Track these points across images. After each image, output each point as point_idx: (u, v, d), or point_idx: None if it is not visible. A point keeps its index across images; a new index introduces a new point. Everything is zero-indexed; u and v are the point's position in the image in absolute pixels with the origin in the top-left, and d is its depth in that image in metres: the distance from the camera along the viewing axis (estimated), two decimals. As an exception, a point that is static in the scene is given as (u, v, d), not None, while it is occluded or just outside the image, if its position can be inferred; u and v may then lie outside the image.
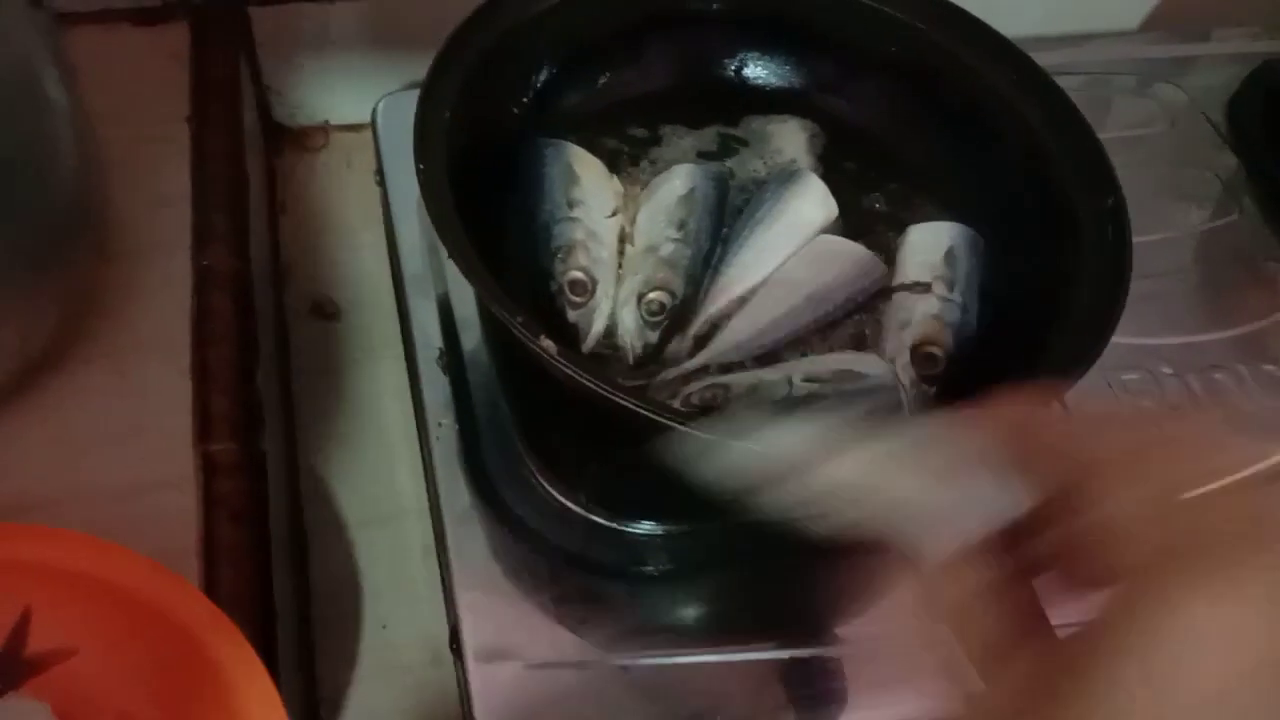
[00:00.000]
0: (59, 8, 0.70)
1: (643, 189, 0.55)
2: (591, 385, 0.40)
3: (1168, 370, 0.60)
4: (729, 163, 0.57)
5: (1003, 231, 0.55)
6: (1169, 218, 0.69)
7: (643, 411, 0.39)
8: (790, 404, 0.47)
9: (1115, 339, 0.59)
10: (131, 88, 0.69)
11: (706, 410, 0.47)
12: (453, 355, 0.55)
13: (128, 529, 0.47)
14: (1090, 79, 0.78)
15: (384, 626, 0.62)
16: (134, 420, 0.55)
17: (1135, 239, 0.62)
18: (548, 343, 0.41)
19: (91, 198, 0.58)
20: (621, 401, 0.40)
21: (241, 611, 0.51)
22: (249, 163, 0.75)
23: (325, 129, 0.84)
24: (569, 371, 0.40)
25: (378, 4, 0.76)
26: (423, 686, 0.59)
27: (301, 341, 0.74)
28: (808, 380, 0.48)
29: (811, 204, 0.55)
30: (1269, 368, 0.61)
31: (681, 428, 0.39)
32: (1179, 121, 0.75)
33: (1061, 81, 0.70)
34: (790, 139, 0.58)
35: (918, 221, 0.56)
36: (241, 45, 0.76)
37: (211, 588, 0.51)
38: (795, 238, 0.54)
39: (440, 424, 0.53)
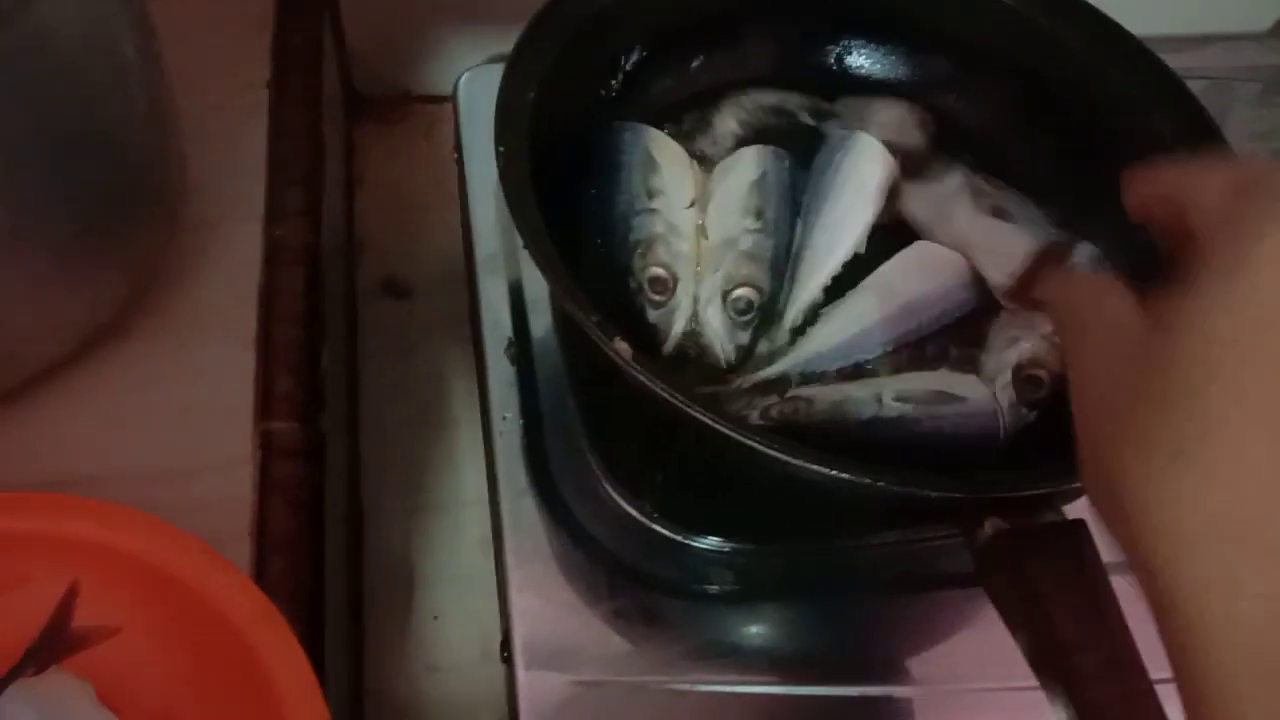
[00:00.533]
0: (142, -31, 0.70)
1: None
2: (666, 395, 0.37)
3: None
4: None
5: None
6: None
7: (720, 428, 0.36)
8: (878, 425, 0.44)
9: None
10: (213, 52, 0.67)
11: (786, 427, 0.44)
12: (522, 345, 0.52)
13: (181, 508, 0.46)
14: (1211, 84, 0.73)
15: (435, 618, 0.60)
16: (195, 396, 0.54)
17: None
18: (623, 345, 0.39)
19: (167, 166, 0.57)
20: (697, 416, 0.37)
21: (290, 600, 0.50)
22: (328, 133, 0.73)
23: (406, 99, 0.82)
24: (643, 379, 0.37)
25: (467, -28, 0.74)
26: (471, 684, 0.57)
27: (370, 319, 0.72)
28: (899, 400, 0.45)
29: (869, 162, 0.51)
30: None
31: (759, 447, 0.36)
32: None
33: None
34: (890, 114, 0.54)
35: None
36: (327, 9, 0.75)
37: (261, 574, 0.50)
38: (864, 204, 0.51)
39: (505, 417, 0.51)
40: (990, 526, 0.38)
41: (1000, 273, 0.49)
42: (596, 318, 0.39)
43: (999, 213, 0.51)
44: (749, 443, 0.36)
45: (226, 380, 0.54)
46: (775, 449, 0.36)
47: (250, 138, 0.64)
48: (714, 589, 0.47)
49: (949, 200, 0.52)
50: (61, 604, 0.45)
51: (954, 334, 0.49)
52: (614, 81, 0.51)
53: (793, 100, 0.54)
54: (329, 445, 0.60)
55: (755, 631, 0.48)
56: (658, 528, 0.47)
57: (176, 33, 0.67)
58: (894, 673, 0.47)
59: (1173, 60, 0.75)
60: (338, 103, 0.80)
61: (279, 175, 0.63)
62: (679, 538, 0.47)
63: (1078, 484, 0.36)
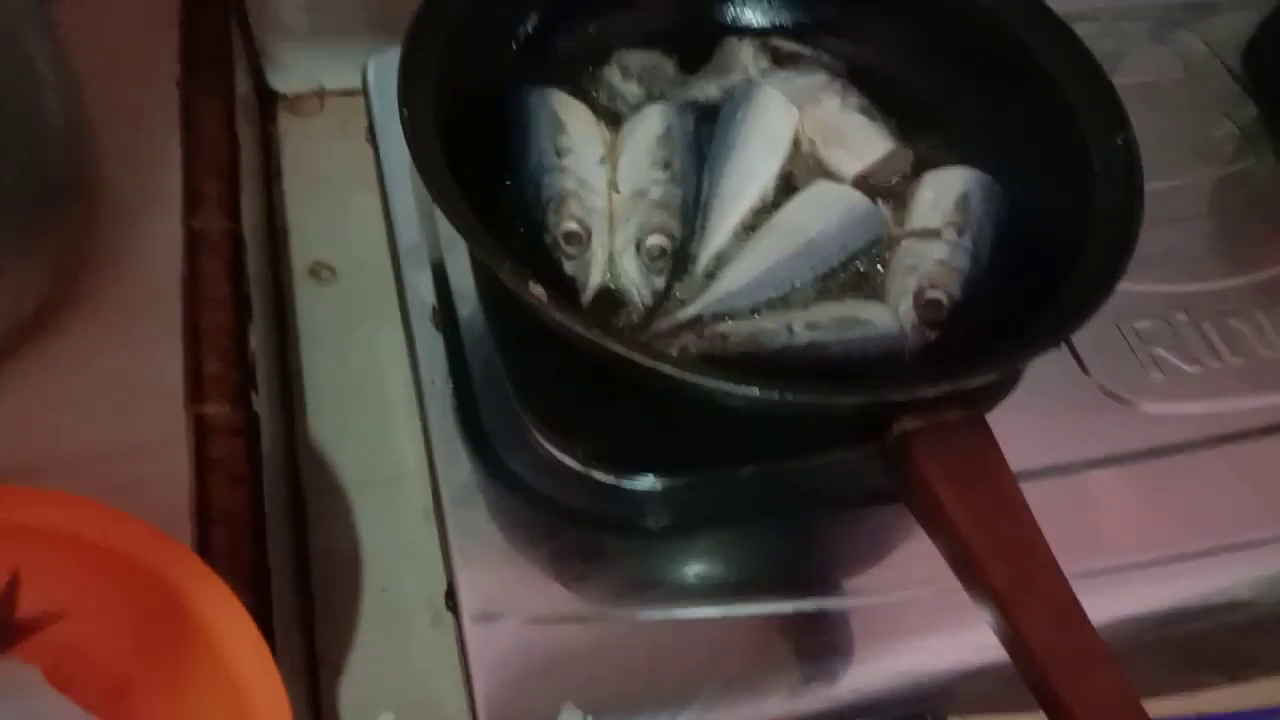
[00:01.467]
0: (45, -30, 0.70)
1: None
2: (581, 330, 0.39)
3: (1183, 317, 0.58)
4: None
5: (1017, 175, 0.53)
6: (1185, 166, 0.67)
7: (637, 358, 0.38)
8: (790, 352, 0.46)
9: (1129, 286, 0.57)
10: (122, 50, 0.68)
11: (704, 361, 0.46)
12: (446, 313, 0.54)
13: (120, 492, 0.46)
14: (1105, 25, 0.76)
15: (384, 589, 0.61)
16: (126, 382, 0.54)
17: (1151, 186, 0.61)
18: (537, 289, 0.40)
19: (80, 159, 0.57)
20: (611, 346, 0.38)
21: (235, 573, 0.50)
22: (243, 129, 0.74)
23: (320, 94, 0.82)
24: (558, 317, 0.39)
25: (369, -37, 0.75)
26: (423, 649, 0.58)
27: (299, 305, 0.73)
28: (808, 327, 0.47)
29: (774, 115, 0.54)
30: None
31: (672, 371, 0.38)
32: (1194, 68, 0.73)
33: (1077, 28, 0.68)
34: (739, 58, 0.56)
35: (934, 167, 0.54)
36: (233, 8, 0.75)
37: (205, 550, 0.51)
38: (771, 153, 0.53)
39: (434, 381, 0.52)
40: (897, 430, 0.40)
41: (857, 161, 0.53)
42: (509, 264, 0.40)
43: (865, 111, 0.54)
44: (661, 368, 0.38)
45: (156, 366, 0.55)
46: (688, 371, 0.38)
47: (164, 132, 0.64)
48: (649, 524, 0.48)
49: (820, 89, 0.55)
50: (3, 595, 0.45)
51: (873, 263, 0.51)
52: (514, 46, 0.53)
53: (665, 65, 0.56)
54: (264, 428, 0.61)
55: (693, 561, 0.50)
56: (591, 472, 0.48)
57: (83, 33, 0.68)
58: (829, 588, 0.49)
59: (1067, 4, 0.79)
60: (251, 100, 0.80)
61: (194, 166, 0.63)
62: (610, 479, 0.48)
63: (977, 378, 0.39)
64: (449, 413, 0.51)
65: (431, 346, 0.53)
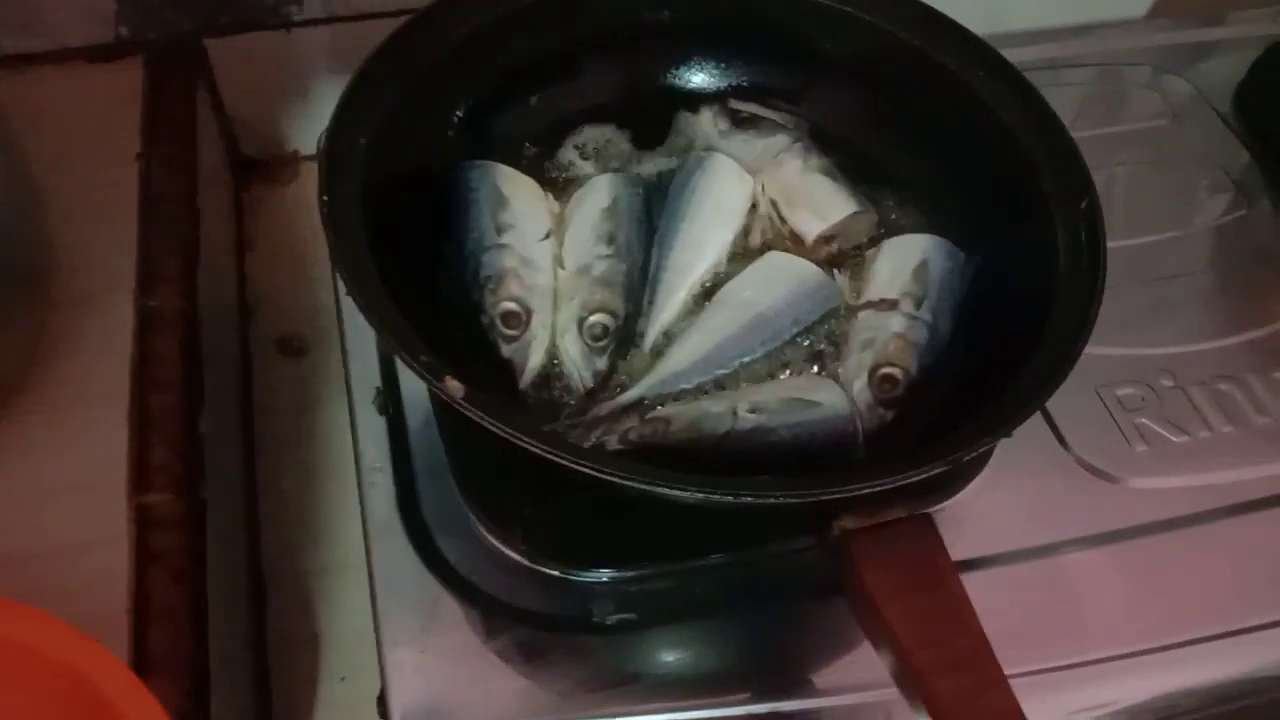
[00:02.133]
0: (12, 49, 0.70)
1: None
2: (499, 430, 0.37)
3: (1168, 383, 0.55)
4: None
5: (981, 240, 0.51)
6: (1173, 218, 0.64)
7: (557, 457, 0.36)
8: (734, 438, 0.44)
9: (1110, 350, 0.55)
10: (85, 128, 0.67)
11: (645, 449, 0.44)
12: (391, 396, 0.52)
13: (60, 589, 0.45)
14: (1097, 71, 0.74)
15: (343, 679, 0.59)
16: (70, 475, 0.53)
17: (1135, 241, 0.58)
18: (454, 384, 0.38)
19: (28, 246, 0.57)
20: (533, 447, 0.36)
21: (173, 672, 0.49)
22: (213, 199, 0.73)
23: (296, 160, 0.82)
24: (474, 415, 0.37)
25: (337, 28, 0.74)
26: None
27: (266, 379, 0.72)
28: (754, 410, 0.44)
29: (728, 184, 0.52)
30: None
31: (597, 472, 0.36)
32: (1183, 114, 0.70)
33: (1068, 75, 0.66)
34: (699, 127, 0.54)
35: (896, 234, 0.52)
36: (201, 78, 0.75)
37: (142, 650, 0.49)
38: (724, 223, 0.51)
39: (376, 468, 0.50)
40: (837, 529, 0.37)
41: (821, 222, 0.51)
42: (426, 358, 0.38)
43: (828, 172, 0.52)
44: (583, 467, 0.36)
45: (102, 455, 0.54)
46: (610, 471, 0.36)
47: (122, 209, 0.63)
48: (595, 619, 0.46)
49: (781, 150, 0.53)
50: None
51: (828, 336, 0.49)
52: (455, 123, 0.51)
53: (619, 139, 0.54)
54: (222, 510, 0.60)
55: (647, 659, 0.48)
56: (534, 565, 0.46)
57: (51, 110, 0.68)
58: (791, 687, 0.46)
59: (1058, 50, 0.76)
60: (224, 168, 0.79)
61: (151, 244, 0.62)
62: (553, 572, 0.46)
63: (914, 476, 0.36)
64: (390, 502, 0.49)
65: (375, 431, 0.51)
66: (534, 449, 0.36)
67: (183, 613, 0.51)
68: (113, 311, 0.59)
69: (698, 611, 0.47)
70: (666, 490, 0.35)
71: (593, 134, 0.54)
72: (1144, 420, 0.54)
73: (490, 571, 0.47)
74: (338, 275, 0.42)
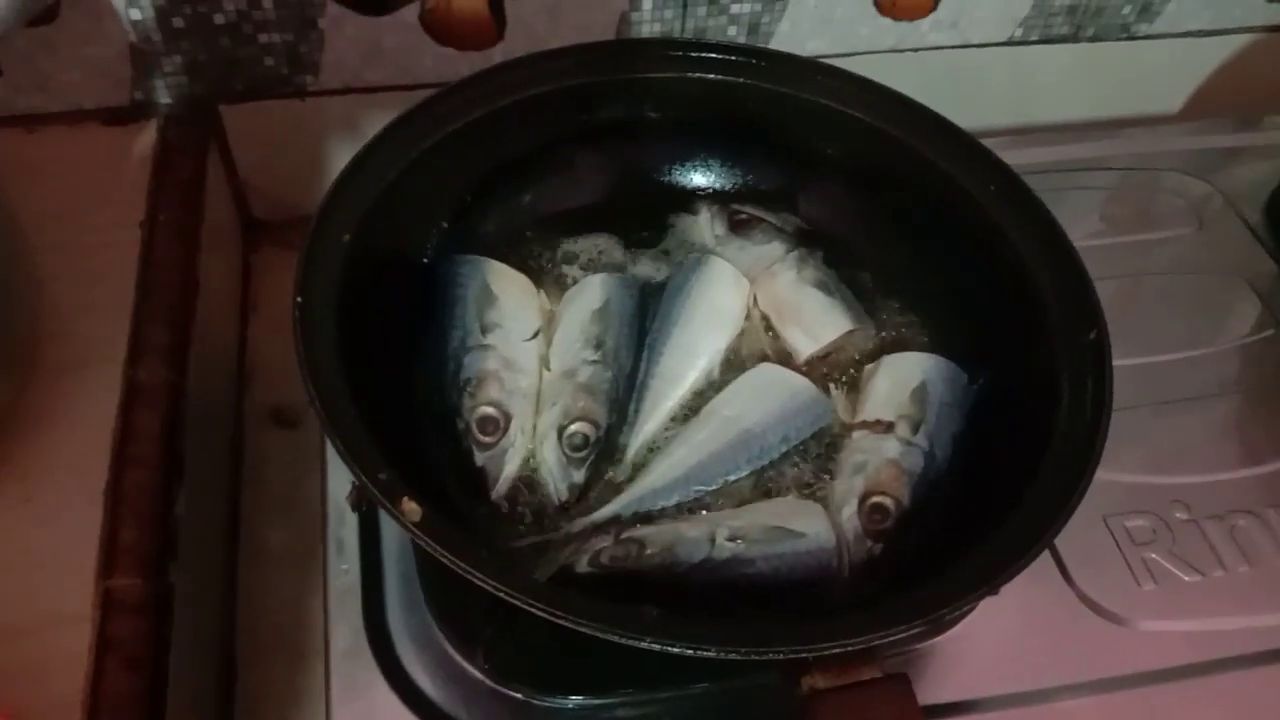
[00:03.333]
0: (25, 109, 0.70)
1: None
2: (449, 562, 0.35)
3: (1182, 515, 0.52)
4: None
5: (985, 362, 0.49)
6: (1196, 336, 0.61)
7: (509, 596, 0.34)
8: (710, 567, 0.41)
9: (1121, 476, 0.52)
10: (92, 190, 0.67)
11: (616, 573, 0.42)
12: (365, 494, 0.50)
13: (16, 670, 0.44)
14: (1122, 174, 0.72)
15: (306, 779, 0.57)
16: (39, 551, 0.51)
17: (1154, 359, 0.56)
18: (410, 507, 0.37)
19: (19, 308, 0.56)
20: (485, 583, 0.34)
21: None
22: (219, 260, 0.73)
23: (307, 223, 0.81)
24: (424, 544, 0.35)
25: (351, 99, 0.74)
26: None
27: (256, 450, 0.70)
28: (733, 538, 0.42)
29: (724, 289, 0.50)
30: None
31: (550, 615, 0.34)
32: (1210, 223, 0.67)
33: (1092, 178, 0.63)
34: (695, 229, 0.53)
35: (896, 348, 0.50)
36: (215, 141, 0.74)
37: (94, 742, 0.47)
38: (718, 329, 0.50)
39: (344, 568, 0.48)
40: (806, 685, 0.35)
41: (813, 342, 0.49)
42: (385, 476, 0.37)
43: (822, 286, 0.50)
44: (535, 609, 0.34)
45: (73, 531, 0.52)
46: (564, 616, 0.34)
47: (119, 275, 0.63)
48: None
49: (776, 261, 0.51)
50: None
51: (819, 455, 0.47)
52: (443, 221, 0.50)
53: (613, 248, 0.53)
54: (195, 588, 0.58)
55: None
56: (493, 684, 0.44)
57: (62, 171, 0.68)
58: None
59: (1083, 151, 0.74)
60: (234, 229, 0.79)
61: (144, 314, 0.61)
62: (516, 695, 0.44)
63: (885, 636, 0.34)
64: (355, 604, 0.47)
65: (345, 528, 0.49)
66: (485, 585, 0.34)
67: (136, 703, 0.49)
68: (99, 381, 0.58)
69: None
70: (620, 638, 0.33)
71: (586, 244, 0.53)
72: (1154, 556, 0.51)
73: (452, 690, 0.45)
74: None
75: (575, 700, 0.44)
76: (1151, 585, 0.50)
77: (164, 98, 0.72)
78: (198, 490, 0.60)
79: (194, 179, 0.71)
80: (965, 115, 0.78)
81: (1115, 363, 0.57)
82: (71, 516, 0.53)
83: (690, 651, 0.33)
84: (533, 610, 0.34)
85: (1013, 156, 0.49)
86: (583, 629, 0.33)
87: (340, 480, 0.51)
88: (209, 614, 0.62)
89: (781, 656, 0.34)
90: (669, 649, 0.33)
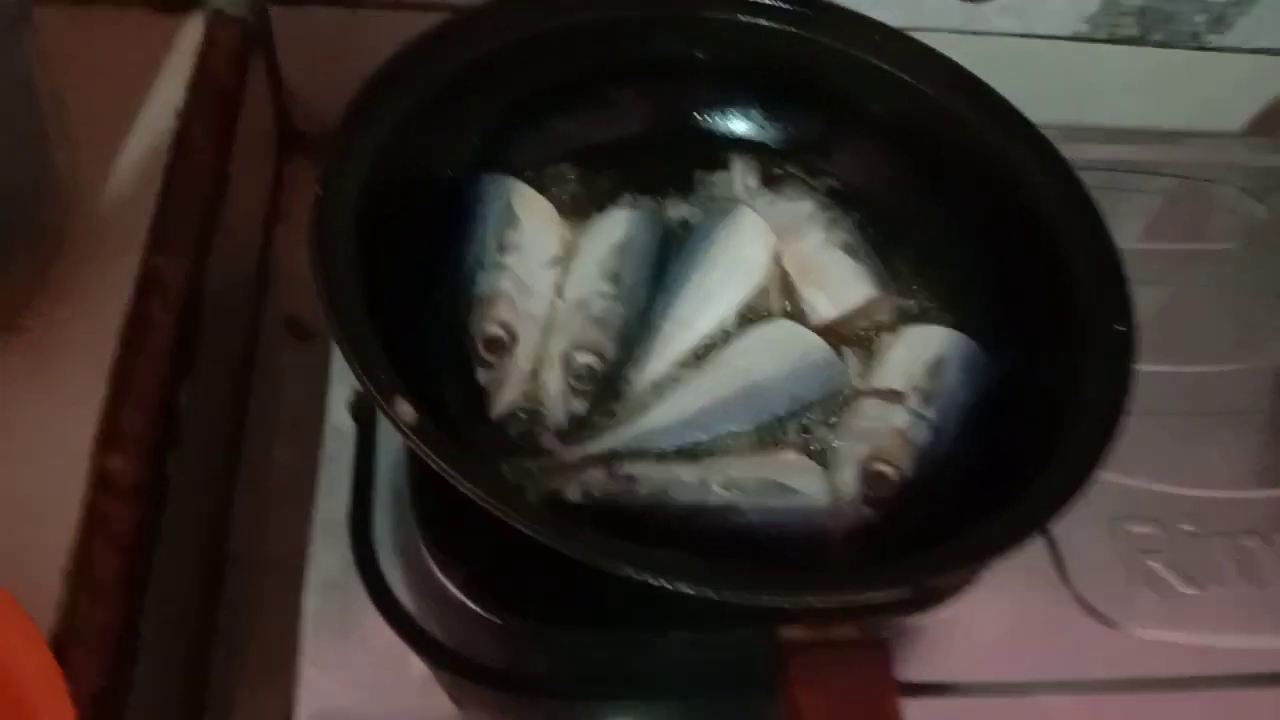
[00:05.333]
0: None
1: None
2: (434, 464, 0.34)
3: (1189, 528, 0.51)
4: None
5: (1008, 346, 0.47)
6: (1234, 349, 0.59)
7: (481, 501, 0.33)
8: (701, 513, 0.41)
9: (1134, 481, 0.51)
10: (134, 77, 0.67)
11: (606, 507, 0.41)
12: (367, 403, 0.50)
13: (3, 539, 0.44)
14: (1179, 182, 0.70)
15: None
16: (38, 427, 0.52)
17: (1189, 368, 0.54)
18: (404, 407, 0.36)
19: (48, 191, 0.56)
20: (463, 486, 0.34)
21: (95, 648, 0.47)
22: (252, 167, 0.72)
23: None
24: (413, 444, 0.35)
25: (403, 15, 0.73)
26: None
27: (270, 362, 0.70)
28: (728, 487, 0.41)
29: (750, 241, 0.49)
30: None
31: (525, 528, 0.33)
32: (1264, 243, 0.65)
33: (1147, 181, 0.62)
34: (727, 179, 0.52)
35: (919, 320, 0.49)
36: (261, 46, 0.74)
37: (71, 616, 0.47)
38: (739, 281, 0.48)
39: (337, 475, 0.48)
40: (783, 637, 0.34)
41: (832, 306, 0.48)
42: (382, 374, 0.36)
43: (849, 249, 0.49)
44: (511, 518, 0.33)
45: (75, 411, 0.52)
46: (538, 529, 0.33)
47: (152, 168, 0.62)
48: (523, 675, 0.43)
49: (804, 220, 0.50)
50: None
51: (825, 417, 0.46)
52: (478, 133, 0.49)
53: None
54: (192, 488, 0.58)
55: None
56: (470, 604, 0.44)
57: (100, 55, 0.67)
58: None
59: (1141, 154, 0.72)
60: (270, 138, 0.78)
61: (170, 205, 0.61)
62: (492, 618, 0.43)
63: (865, 595, 0.33)
64: (342, 509, 0.47)
65: (343, 437, 0.49)
66: (468, 491, 0.34)
67: (119, 587, 0.49)
68: (120, 269, 0.58)
69: (641, 689, 0.44)
70: (589, 559, 0.33)
71: (616, 181, 0.52)
72: (1155, 565, 0.50)
73: (430, 605, 0.44)
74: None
75: (551, 631, 0.43)
76: (1149, 593, 0.49)
77: (218, -9, 0.71)
78: (206, 389, 0.60)
79: (235, 77, 0.70)
80: (1021, 105, 0.77)
81: (1145, 368, 0.56)
82: (76, 396, 0.53)
83: (666, 584, 0.33)
84: (509, 521, 0.33)
85: (1066, 150, 0.48)
86: (540, 538, 0.33)
87: (344, 389, 0.50)
88: (203, 516, 0.62)
89: (758, 601, 0.33)
90: (645, 578, 0.33)
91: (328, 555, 0.45)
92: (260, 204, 0.76)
